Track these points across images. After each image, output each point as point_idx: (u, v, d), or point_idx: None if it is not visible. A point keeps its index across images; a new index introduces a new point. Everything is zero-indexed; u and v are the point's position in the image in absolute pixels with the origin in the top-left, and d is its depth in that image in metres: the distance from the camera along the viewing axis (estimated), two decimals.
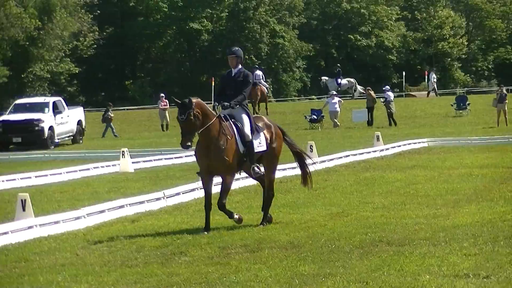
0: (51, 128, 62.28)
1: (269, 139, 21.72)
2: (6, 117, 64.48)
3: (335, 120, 72.24)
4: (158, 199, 28.44)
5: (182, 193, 29.82)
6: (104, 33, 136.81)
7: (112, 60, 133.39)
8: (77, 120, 67.42)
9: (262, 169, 21.96)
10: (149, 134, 76.64)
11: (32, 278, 17.67)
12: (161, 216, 26.19)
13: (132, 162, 42.75)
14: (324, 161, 40.25)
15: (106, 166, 42.93)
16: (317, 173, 36.33)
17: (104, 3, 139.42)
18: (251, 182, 26.47)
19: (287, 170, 35.73)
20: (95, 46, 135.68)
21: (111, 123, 73.67)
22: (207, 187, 21.00)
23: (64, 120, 64.88)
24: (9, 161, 50.26)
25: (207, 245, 20.45)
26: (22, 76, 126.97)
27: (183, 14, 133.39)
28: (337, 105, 73.40)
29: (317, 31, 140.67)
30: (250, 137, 21.13)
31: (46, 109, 64.02)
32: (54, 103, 66.16)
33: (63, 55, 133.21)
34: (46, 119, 62.44)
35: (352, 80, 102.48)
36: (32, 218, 23.96)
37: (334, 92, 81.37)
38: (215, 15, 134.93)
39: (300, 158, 23.51)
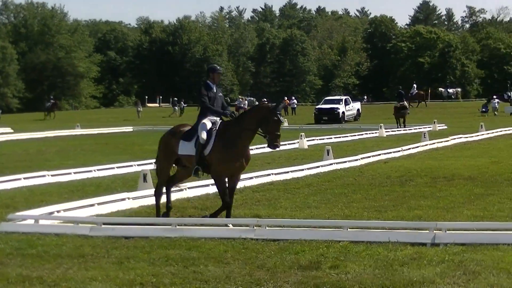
0: (343, 113, 62.45)
1: None
2: (319, 106, 65.23)
3: None
4: (398, 151, 28.17)
5: (412, 149, 29.44)
6: (372, 63, 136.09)
7: (376, 77, 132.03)
8: (357, 109, 67.24)
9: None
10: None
11: (328, 191, 17.86)
12: (400, 160, 25.90)
13: (385, 131, 42.21)
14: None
15: (370, 133, 42.01)
16: (485, 140, 35.40)
17: (373, 47, 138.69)
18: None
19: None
20: (367, 69, 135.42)
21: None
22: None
23: (349, 108, 64.90)
24: (319, 130, 50.45)
25: (424, 176, 20.04)
26: (329, 85, 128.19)
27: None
28: None
29: None
30: None
31: (341, 102, 64.21)
32: (345, 99, 66.33)
33: (350, 74, 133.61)
34: (341, 108, 62.64)
35: None
36: (332, 159, 24.06)
37: None
38: None
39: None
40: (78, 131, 50.59)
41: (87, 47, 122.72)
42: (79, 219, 13.19)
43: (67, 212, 13.97)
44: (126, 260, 10.40)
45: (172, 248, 11.12)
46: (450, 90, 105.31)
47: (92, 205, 14.76)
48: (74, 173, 21.35)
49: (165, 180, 14.01)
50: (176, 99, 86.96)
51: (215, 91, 13.78)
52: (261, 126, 13.06)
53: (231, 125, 13.33)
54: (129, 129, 54.66)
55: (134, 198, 15.67)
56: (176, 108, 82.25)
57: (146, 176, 17.15)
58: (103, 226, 12.50)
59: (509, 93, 72.83)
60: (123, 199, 15.46)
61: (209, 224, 12.58)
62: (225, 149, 13.06)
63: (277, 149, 13.42)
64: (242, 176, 17.95)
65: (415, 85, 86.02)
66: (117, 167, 22.81)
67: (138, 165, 22.98)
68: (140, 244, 11.49)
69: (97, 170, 22.16)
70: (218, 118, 13.62)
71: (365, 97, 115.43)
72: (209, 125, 13.41)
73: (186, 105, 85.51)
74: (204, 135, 13.23)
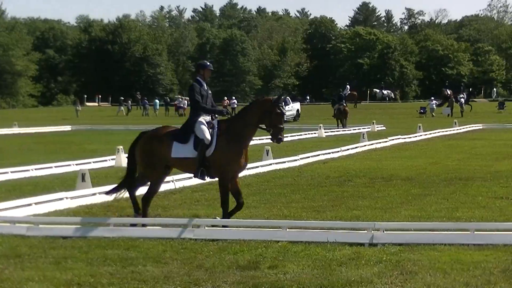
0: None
1: None
2: None
3: None
4: (337, 151, 28.31)
5: (351, 149, 29.60)
6: (313, 63, 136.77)
7: (315, 77, 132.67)
8: (296, 109, 67.36)
9: None
10: None
11: (267, 191, 17.91)
12: (339, 160, 26.10)
13: (324, 131, 42.47)
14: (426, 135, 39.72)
15: (309, 133, 42.14)
16: (423, 141, 35.90)
17: (313, 48, 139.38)
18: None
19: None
20: (307, 70, 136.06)
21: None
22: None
23: (289, 108, 64.97)
24: (258, 130, 50.43)
25: (363, 177, 20.20)
26: (269, 85, 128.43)
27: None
28: None
29: None
30: None
31: None
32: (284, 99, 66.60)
33: (290, 75, 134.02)
34: None
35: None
36: (271, 160, 24.09)
37: None
38: None
39: None
40: (15, 130, 49.86)
41: (25, 45, 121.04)
42: (16, 218, 12.99)
43: (3, 212, 13.73)
44: (64, 260, 10.28)
45: (110, 248, 11.03)
46: (385, 92, 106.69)
47: (29, 204, 14.54)
48: (11, 172, 21.04)
49: (158, 188, 13.38)
50: (122, 98, 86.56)
51: (206, 88, 13.07)
52: (264, 120, 12.68)
53: (233, 122, 12.82)
54: (67, 128, 54.12)
55: (72, 198, 15.51)
56: (122, 108, 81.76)
57: (85, 176, 17.00)
58: (40, 225, 12.33)
59: (462, 95, 73.68)
60: (61, 199, 15.29)
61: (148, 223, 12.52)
62: (231, 147, 12.52)
63: (281, 142, 12.89)
64: (181, 176, 17.89)
65: (348, 86, 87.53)
66: (55, 167, 22.54)
67: (76, 164, 22.76)
68: (78, 244, 11.37)
69: (35, 169, 21.88)
70: (210, 117, 12.92)
71: (308, 97, 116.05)
72: (205, 124, 12.72)
73: (131, 106, 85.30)
74: (208, 135, 12.54)
